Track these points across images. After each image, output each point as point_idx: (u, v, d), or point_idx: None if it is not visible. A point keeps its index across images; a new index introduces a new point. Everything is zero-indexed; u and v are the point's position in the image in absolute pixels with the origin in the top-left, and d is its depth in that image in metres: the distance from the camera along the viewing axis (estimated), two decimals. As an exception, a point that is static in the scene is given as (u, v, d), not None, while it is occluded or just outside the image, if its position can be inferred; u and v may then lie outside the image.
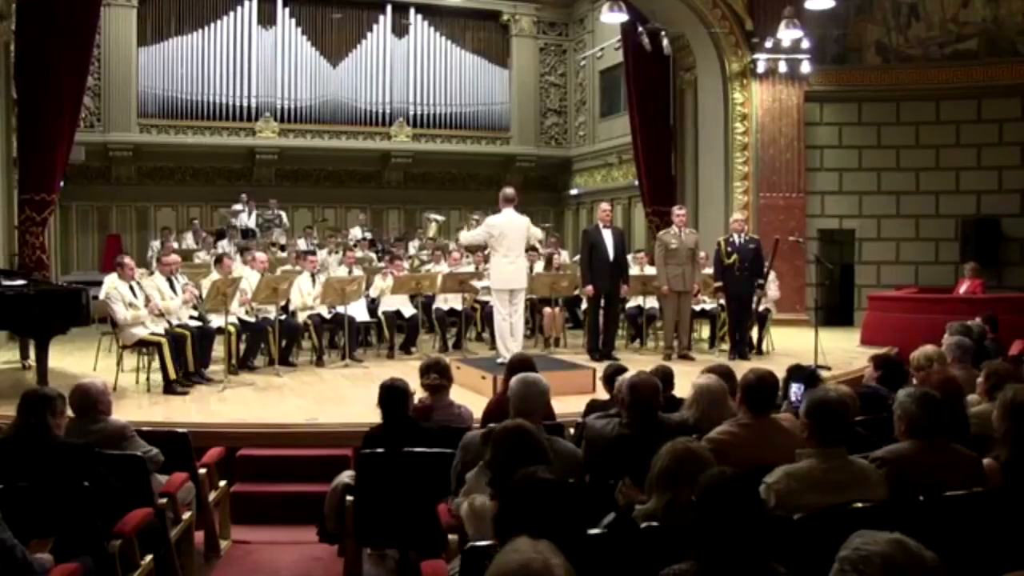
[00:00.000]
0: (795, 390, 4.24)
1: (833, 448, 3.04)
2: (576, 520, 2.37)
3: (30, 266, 9.85)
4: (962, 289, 11.12)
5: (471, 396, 6.19)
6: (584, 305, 9.70)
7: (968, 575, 2.70)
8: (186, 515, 4.22)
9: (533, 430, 3.09)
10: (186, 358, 7.42)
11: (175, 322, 7.58)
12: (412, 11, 17.02)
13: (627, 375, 4.00)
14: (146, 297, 7.43)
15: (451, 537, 3.31)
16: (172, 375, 7.15)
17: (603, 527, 2.77)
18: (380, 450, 4.05)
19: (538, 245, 10.56)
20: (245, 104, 16.04)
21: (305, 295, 8.99)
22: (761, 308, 9.64)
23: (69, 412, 3.92)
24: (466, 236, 9.07)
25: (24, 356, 8.54)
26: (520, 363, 4.63)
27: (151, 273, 8.56)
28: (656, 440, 3.08)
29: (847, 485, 2.95)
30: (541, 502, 2.26)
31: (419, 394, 4.60)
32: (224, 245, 12.52)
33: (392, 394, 4.20)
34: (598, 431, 3.72)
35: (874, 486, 3.01)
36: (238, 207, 14.57)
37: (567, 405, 5.66)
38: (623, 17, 11.03)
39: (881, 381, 4.85)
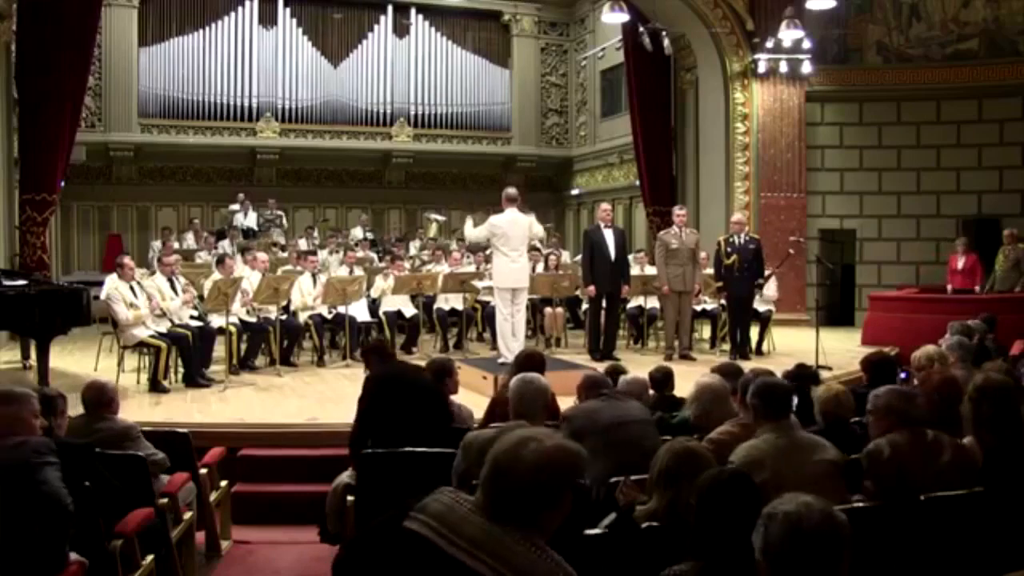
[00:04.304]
0: None
1: (784, 421, 3.28)
2: (576, 520, 2.37)
3: (31, 266, 9.85)
4: (959, 265, 11.10)
5: (472, 396, 6.19)
6: (585, 305, 9.69)
7: (968, 575, 2.71)
8: (187, 515, 4.22)
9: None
10: (189, 358, 7.45)
11: (176, 321, 7.61)
12: (413, 11, 16.99)
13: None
14: (147, 297, 7.45)
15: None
16: (161, 377, 7.23)
17: (604, 527, 2.77)
18: (381, 450, 4.05)
19: (539, 244, 10.55)
20: (246, 104, 16.02)
21: (306, 295, 9.00)
22: (762, 309, 9.63)
23: (70, 412, 3.92)
24: (470, 232, 8.80)
25: (25, 356, 8.56)
26: (527, 359, 4.62)
27: (152, 273, 8.58)
28: (619, 405, 3.83)
29: (805, 449, 3.17)
30: None
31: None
32: (225, 245, 12.52)
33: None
34: (575, 409, 4.04)
35: (827, 450, 3.19)
36: (234, 207, 14.58)
37: (567, 405, 5.63)
38: (624, 17, 11.03)
39: (871, 384, 4.83)
